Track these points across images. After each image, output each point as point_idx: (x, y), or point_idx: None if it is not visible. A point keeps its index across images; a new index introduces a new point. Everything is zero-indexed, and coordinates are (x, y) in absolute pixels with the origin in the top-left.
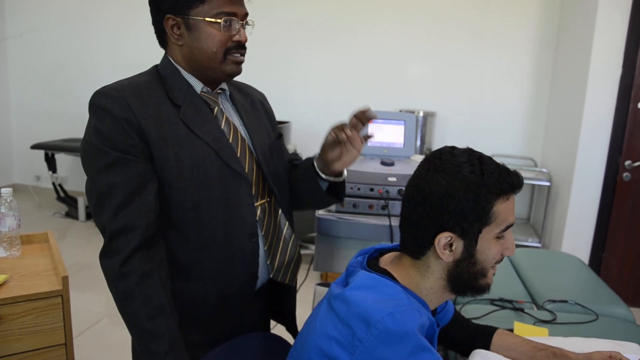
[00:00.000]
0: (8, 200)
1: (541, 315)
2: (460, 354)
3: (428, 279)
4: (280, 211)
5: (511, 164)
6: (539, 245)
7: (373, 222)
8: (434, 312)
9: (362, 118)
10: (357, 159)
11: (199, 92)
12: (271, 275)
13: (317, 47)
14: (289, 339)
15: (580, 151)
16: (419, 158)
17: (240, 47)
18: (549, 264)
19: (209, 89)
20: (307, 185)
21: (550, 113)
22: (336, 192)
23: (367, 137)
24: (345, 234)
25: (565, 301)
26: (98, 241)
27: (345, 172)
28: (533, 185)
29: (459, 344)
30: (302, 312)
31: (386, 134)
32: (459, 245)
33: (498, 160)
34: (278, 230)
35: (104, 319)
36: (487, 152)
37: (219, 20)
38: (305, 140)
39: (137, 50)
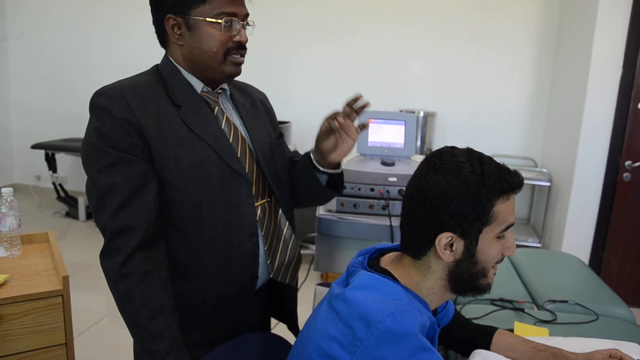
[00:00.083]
0: (8, 200)
1: (541, 315)
2: (461, 354)
3: (429, 279)
4: (280, 211)
5: (511, 164)
6: (539, 245)
7: (373, 222)
8: (435, 312)
9: (355, 106)
10: (352, 149)
11: (199, 92)
12: (271, 275)
13: (317, 47)
14: (290, 338)
15: (580, 151)
16: (420, 158)
17: (241, 47)
18: (549, 264)
19: (209, 88)
20: (306, 179)
21: (551, 113)
22: (335, 185)
23: (362, 126)
24: (346, 234)
25: (566, 301)
26: (98, 241)
27: (342, 163)
28: (533, 186)
29: (459, 344)
30: (303, 312)
31: (387, 134)
32: (459, 245)
33: (498, 160)
34: (278, 230)
35: (104, 319)
36: (487, 152)
37: (219, 21)
38: (305, 140)
39: (137, 50)
